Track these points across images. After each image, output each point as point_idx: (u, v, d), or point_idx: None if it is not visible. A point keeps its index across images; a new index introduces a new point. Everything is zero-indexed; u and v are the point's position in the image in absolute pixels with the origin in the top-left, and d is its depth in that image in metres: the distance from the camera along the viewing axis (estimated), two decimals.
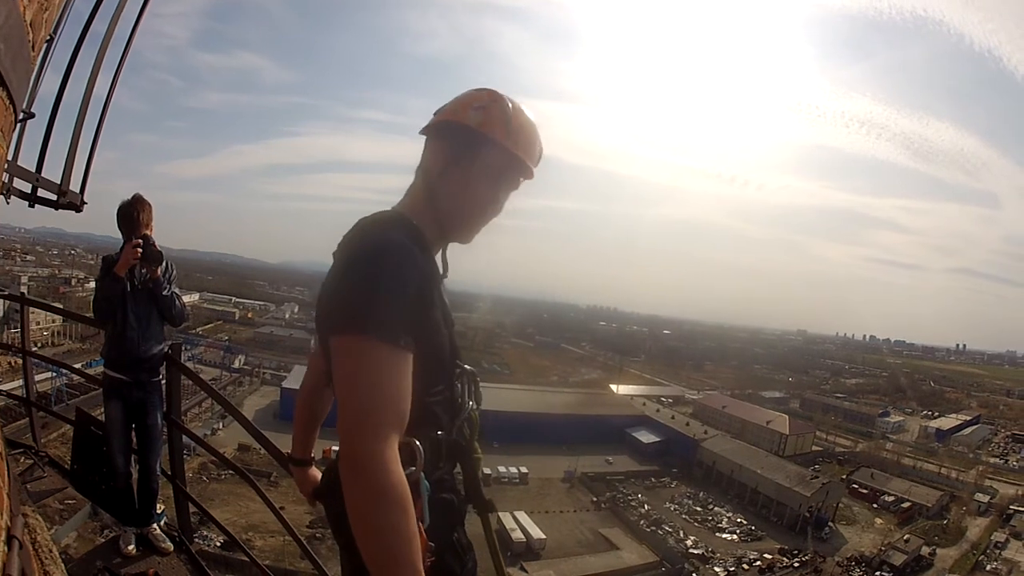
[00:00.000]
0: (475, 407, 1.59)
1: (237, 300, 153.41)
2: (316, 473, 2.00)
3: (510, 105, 1.51)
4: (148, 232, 3.80)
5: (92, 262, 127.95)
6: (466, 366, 1.58)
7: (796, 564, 47.55)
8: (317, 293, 1.50)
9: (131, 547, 3.88)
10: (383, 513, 1.15)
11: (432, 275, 1.46)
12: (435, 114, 1.56)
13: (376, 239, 1.36)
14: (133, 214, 3.77)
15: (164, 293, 3.85)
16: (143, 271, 3.79)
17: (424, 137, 1.58)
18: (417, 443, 1.37)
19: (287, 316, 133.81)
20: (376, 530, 1.16)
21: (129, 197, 3.84)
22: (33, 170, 2.94)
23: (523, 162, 1.53)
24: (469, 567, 1.56)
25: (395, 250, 1.33)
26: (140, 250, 3.70)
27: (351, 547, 1.63)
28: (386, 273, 1.29)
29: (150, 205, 3.87)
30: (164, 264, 3.84)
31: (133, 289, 3.77)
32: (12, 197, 2.92)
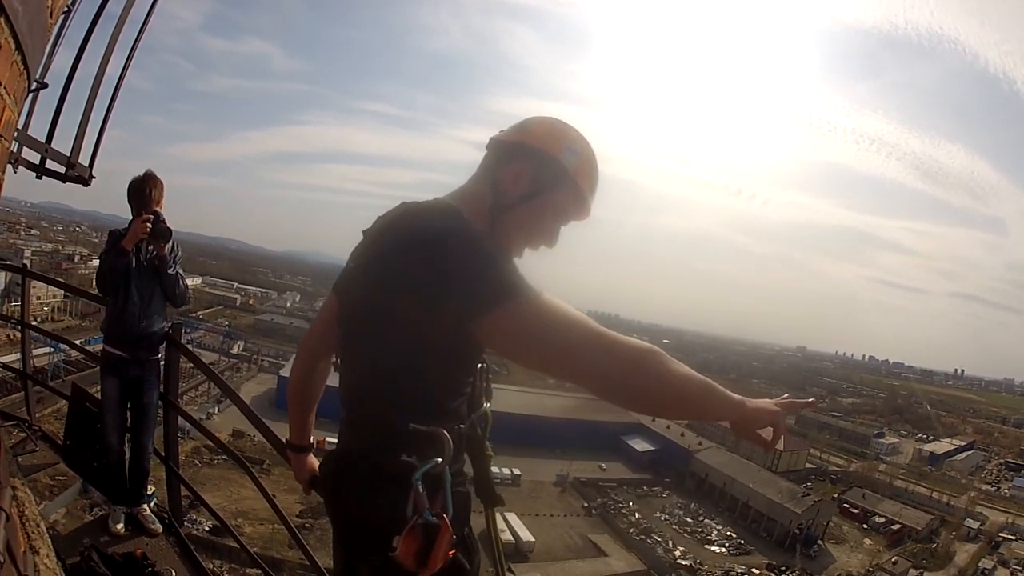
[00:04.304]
0: (488, 405, 1.59)
1: (239, 286, 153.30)
2: (314, 460, 1.98)
3: (595, 153, 1.55)
4: (158, 209, 3.77)
5: (97, 240, 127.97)
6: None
7: None
8: (369, 266, 1.47)
9: (120, 526, 3.85)
10: (689, 390, 1.24)
11: None
12: (518, 131, 1.54)
13: (459, 225, 1.38)
14: (145, 190, 3.73)
15: (169, 271, 3.81)
16: (150, 248, 3.76)
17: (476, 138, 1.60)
18: (446, 433, 1.38)
19: (288, 304, 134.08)
20: (703, 400, 1.26)
21: (141, 173, 3.80)
22: (43, 140, 2.92)
23: (590, 209, 1.58)
24: (477, 563, 1.55)
25: (480, 235, 1.38)
26: (149, 226, 3.67)
27: (345, 538, 1.63)
28: (487, 248, 1.34)
29: (162, 182, 3.81)
30: (171, 243, 3.81)
31: (138, 265, 3.73)
32: (20, 167, 2.90)
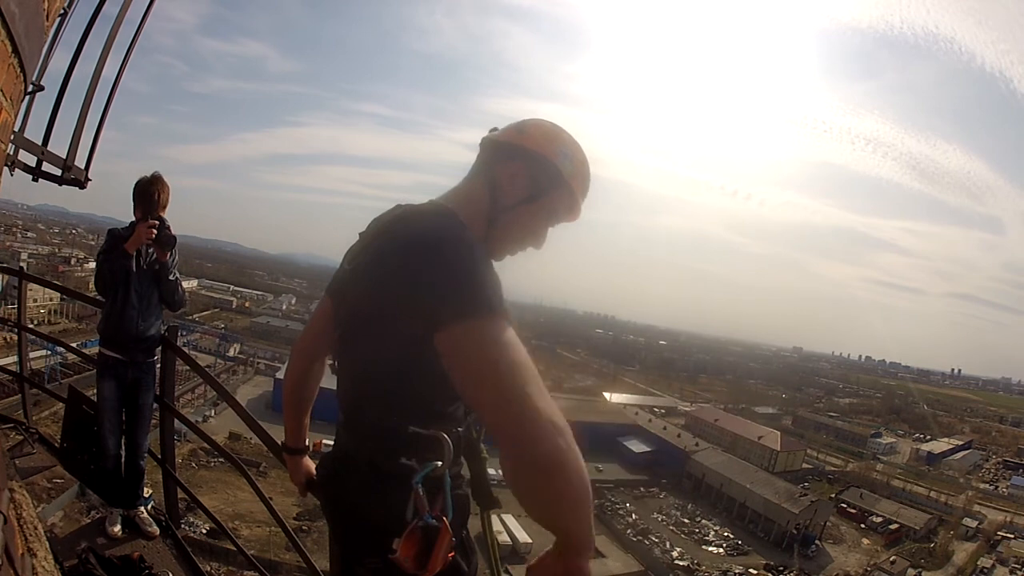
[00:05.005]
0: None
1: (235, 289, 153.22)
2: (309, 462, 1.98)
3: (587, 157, 1.56)
4: (162, 214, 3.75)
5: (93, 243, 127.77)
6: None
7: None
8: (362, 271, 1.47)
9: (117, 528, 3.85)
10: (579, 494, 1.19)
11: None
12: (514, 133, 1.54)
13: (455, 230, 1.35)
14: (153, 193, 3.70)
15: (170, 278, 3.81)
16: (151, 251, 3.75)
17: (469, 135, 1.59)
18: (446, 437, 1.38)
19: (284, 307, 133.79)
20: (580, 513, 1.19)
21: (149, 175, 3.77)
22: (39, 143, 2.92)
23: (580, 211, 1.59)
24: (474, 565, 1.56)
25: (475, 243, 1.34)
26: (154, 232, 3.65)
27: (343, 540, 1.63)
28: (478, 259, 1.29)
29: (168, 186, 3.79)
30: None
31: (138, 268, 3.72)
32: (16, 170, 2.90)
